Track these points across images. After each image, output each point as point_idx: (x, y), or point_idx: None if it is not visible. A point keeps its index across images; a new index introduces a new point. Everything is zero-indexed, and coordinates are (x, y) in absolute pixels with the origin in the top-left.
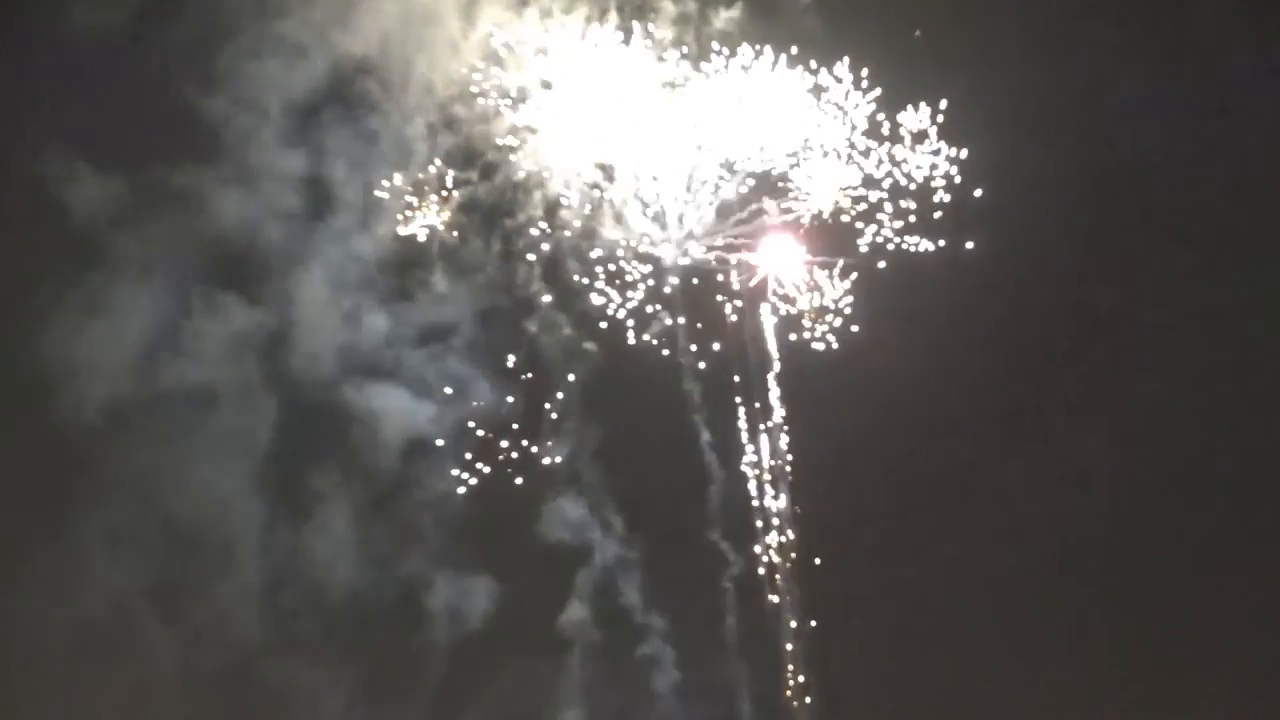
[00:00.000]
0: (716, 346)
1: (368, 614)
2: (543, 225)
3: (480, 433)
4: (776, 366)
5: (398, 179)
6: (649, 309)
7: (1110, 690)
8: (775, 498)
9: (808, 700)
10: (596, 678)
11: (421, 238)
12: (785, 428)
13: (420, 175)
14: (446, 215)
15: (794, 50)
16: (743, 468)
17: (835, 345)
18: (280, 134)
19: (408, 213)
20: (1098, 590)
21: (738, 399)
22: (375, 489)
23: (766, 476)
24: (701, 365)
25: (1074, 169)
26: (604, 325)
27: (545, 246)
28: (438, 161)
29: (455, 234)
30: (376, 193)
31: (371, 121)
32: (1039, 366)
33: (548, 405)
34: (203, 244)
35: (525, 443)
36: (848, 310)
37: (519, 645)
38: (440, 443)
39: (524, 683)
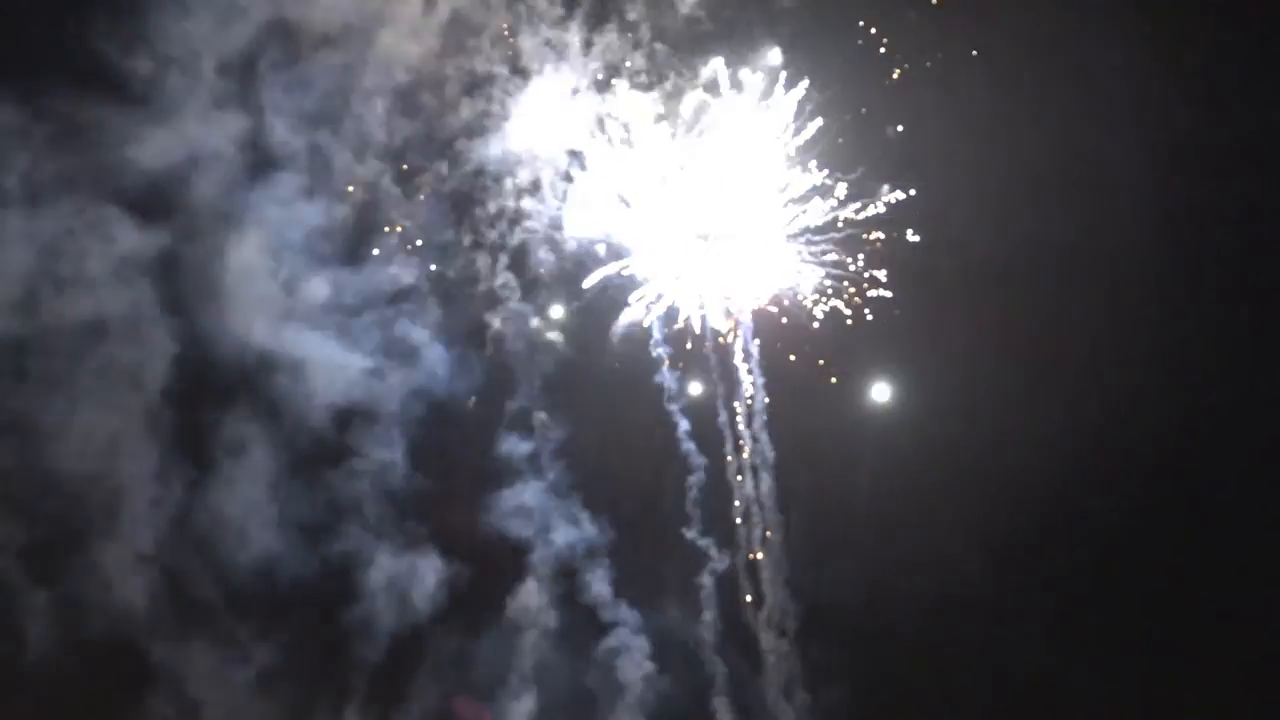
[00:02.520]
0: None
1: (287, 588)
2: (512, 214)
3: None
4: (757, 354)
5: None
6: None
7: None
8: (757, 488)
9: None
10: (553, 669)
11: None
12: (767, 418)
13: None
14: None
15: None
16: (724, 458)
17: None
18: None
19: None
20: (1092, 582)
21: (717, 389)
22: (301, 447)
23: (748, 466)
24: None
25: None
26: (573, 315)
27: (514, 236)
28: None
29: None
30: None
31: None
32: (1029, 347)
33: (511, 396)
34: (114, 176)
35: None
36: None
37: (468, 632)
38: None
39: (472, 672)
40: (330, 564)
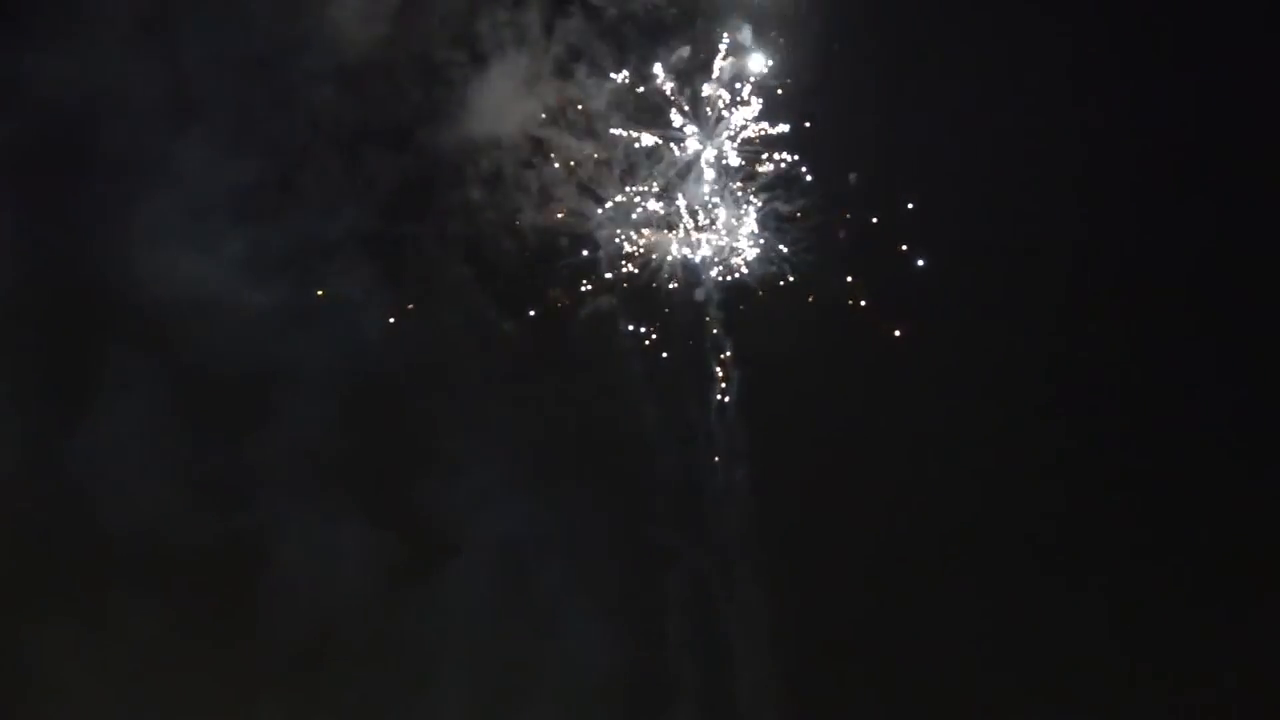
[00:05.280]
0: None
1: (165, 553)
2: (470, 204)
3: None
4: (730, 345)
5: None
6: (583, 290)
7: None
8: (730, 476)
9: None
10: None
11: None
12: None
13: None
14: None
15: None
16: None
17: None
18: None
19: None
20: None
21: (686, 378)
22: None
23: (719, 455)
24: (643, 344)
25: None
26: (536, 305)
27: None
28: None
29: None
30: None
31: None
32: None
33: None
34: None
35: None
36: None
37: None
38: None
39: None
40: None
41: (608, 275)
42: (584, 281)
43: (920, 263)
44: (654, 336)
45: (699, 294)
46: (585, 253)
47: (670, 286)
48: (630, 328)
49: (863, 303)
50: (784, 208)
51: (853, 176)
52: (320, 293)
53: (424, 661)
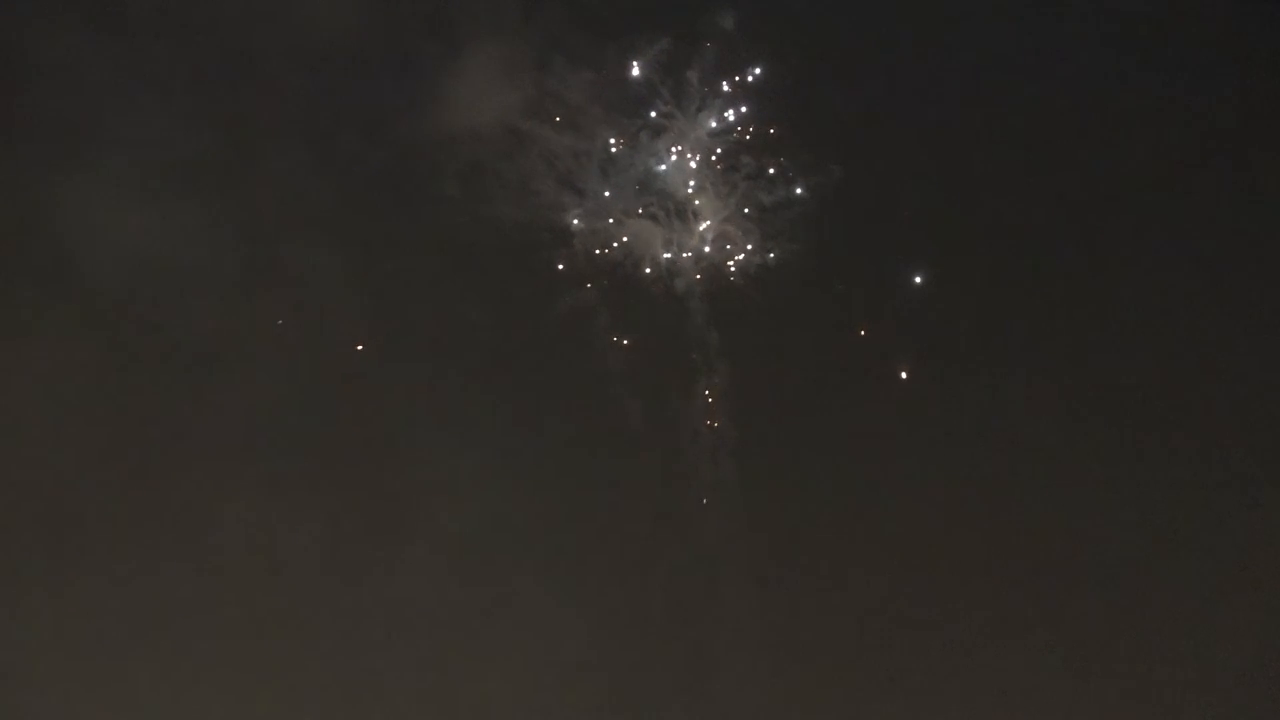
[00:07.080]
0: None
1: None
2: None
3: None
4: (712, 338)
5: None
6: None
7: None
8: (716, 471)
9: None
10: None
11: None
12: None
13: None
14: None
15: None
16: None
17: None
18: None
19: None
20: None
21: (670, 372)
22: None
23: (706, 449)
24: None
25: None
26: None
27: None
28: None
29: None
30: None
31: None
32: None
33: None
34: None
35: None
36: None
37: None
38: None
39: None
40: None
41: (587, 269)
42: (563, 275)
43: (909, 262)
44: (635, 329)
45: (680, 285)
46: (564, 246)
47: (651, 279)
48: (610, 320)
49: (847, 295)
50: (766, 199)
51: (837, 169)
52: (280, 321)
53: (386, 655)
